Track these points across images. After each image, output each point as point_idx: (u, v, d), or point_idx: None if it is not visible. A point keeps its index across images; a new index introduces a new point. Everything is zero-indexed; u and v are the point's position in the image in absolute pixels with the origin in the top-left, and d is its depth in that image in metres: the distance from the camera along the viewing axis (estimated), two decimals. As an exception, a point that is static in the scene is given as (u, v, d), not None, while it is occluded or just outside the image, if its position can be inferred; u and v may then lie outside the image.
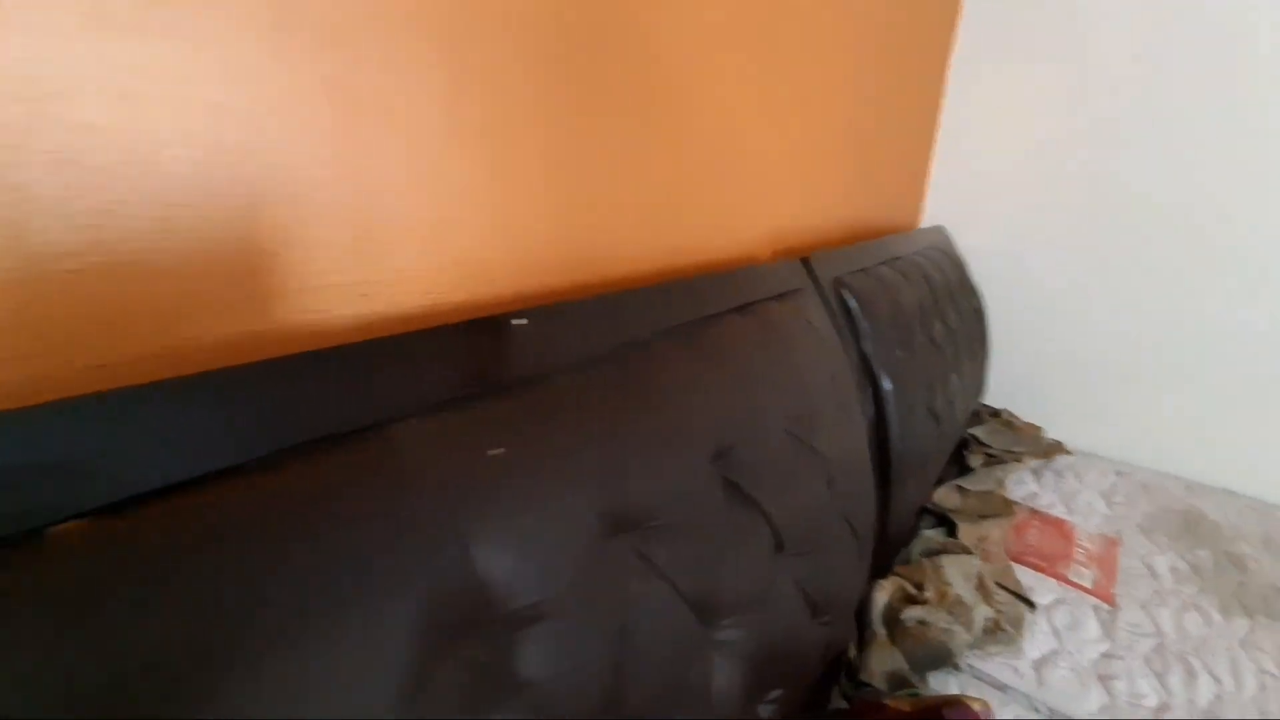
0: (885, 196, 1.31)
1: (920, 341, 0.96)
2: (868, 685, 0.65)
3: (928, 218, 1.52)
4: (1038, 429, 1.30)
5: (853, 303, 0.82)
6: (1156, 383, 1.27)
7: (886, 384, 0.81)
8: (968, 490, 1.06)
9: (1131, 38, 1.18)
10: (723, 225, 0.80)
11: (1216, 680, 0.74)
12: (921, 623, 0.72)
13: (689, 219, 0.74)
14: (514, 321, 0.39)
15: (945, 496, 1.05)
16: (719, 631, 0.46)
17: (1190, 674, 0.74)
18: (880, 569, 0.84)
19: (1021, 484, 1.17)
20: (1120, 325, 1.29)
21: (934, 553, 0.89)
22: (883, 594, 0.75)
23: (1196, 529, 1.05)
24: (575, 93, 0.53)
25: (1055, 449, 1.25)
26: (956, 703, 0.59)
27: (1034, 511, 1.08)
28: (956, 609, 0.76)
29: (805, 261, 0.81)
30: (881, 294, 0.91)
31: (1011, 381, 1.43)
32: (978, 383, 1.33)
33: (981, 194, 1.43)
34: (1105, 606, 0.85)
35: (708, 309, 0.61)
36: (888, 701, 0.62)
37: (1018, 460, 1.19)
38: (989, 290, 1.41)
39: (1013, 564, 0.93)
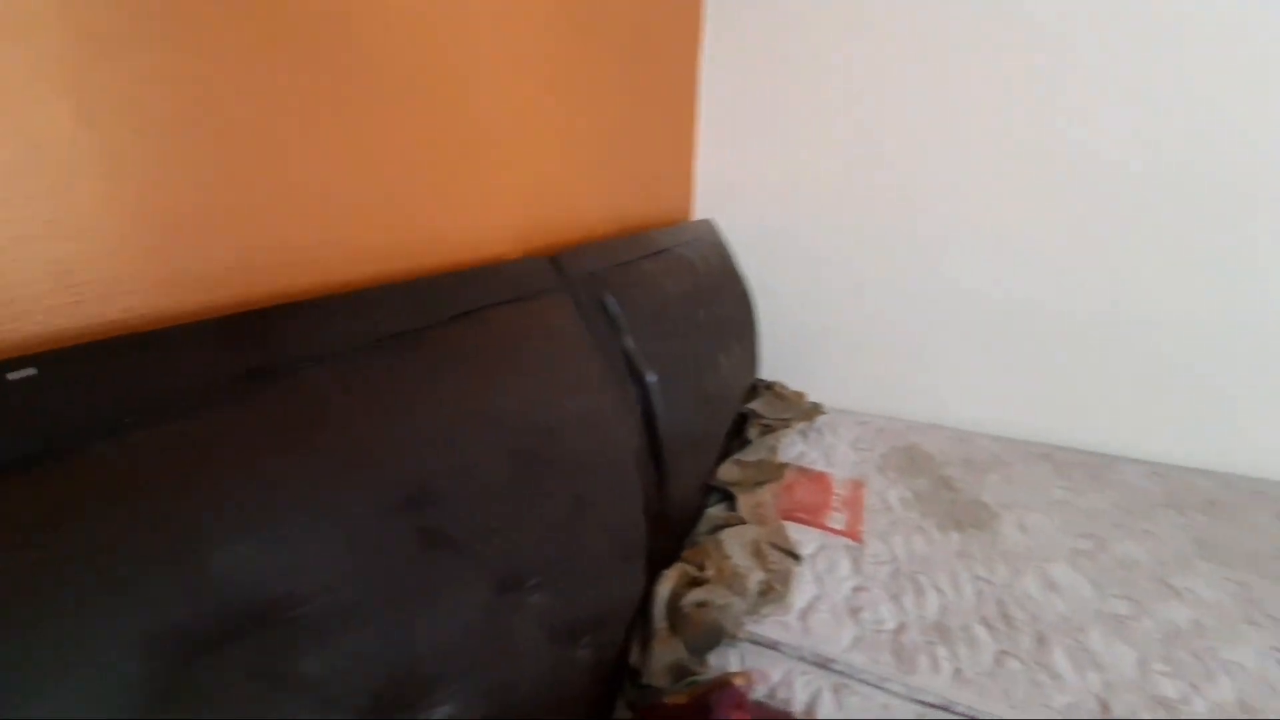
0: (652, 191, 1.35)
1: (686, 330, 0.99)
2: (649, 687, 0.64)
3: (700, 210, 1.63)
4: (802, 395, 1.46)
5: (610, 300, 0.81)
6: (883, 342, 1.51)
7: (651, 377, 0.82)
8: (746, 461, 1.14)
9: (873, 11, 1.34)
10: (465, 223, 0.73)
11: (941, 593, 0.87)
12: (700, 604, 0.73)
13: (425, 216, 0.65)
14: (11, 376, 0.27)
15: (727, 471, 1.11)
16: (430, 711, 0.38)
17: (919, 591, 0.87)
18: (669, 557, 0.85)
19: (792, 446, 1.31)
20: (853, 298, 1.51)
21: (718, 528, 0.93)
22: (666, 585, 0.75)
23: (916, 461, 1.26)
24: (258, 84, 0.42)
25: (815, 411, 1.42)
26: (724, 684, 0.60)
27: (801, 470, 1.20)
28: (734, 580, 0.79)
29: (554, 260, 0.77)
30: (643, 288, 0.92)
31: (780, 356, 1.60)
32: (750, 361, 1.45)
33: (744, 186, 1.56)
34: (854, 544, 0.97)
35: (421, 319, 0.53)
36: (666, 700, 0.61)
37: (788, 426, 1.32)
38: (756, 275, 1.55)
39: (785, 523, 1.02)
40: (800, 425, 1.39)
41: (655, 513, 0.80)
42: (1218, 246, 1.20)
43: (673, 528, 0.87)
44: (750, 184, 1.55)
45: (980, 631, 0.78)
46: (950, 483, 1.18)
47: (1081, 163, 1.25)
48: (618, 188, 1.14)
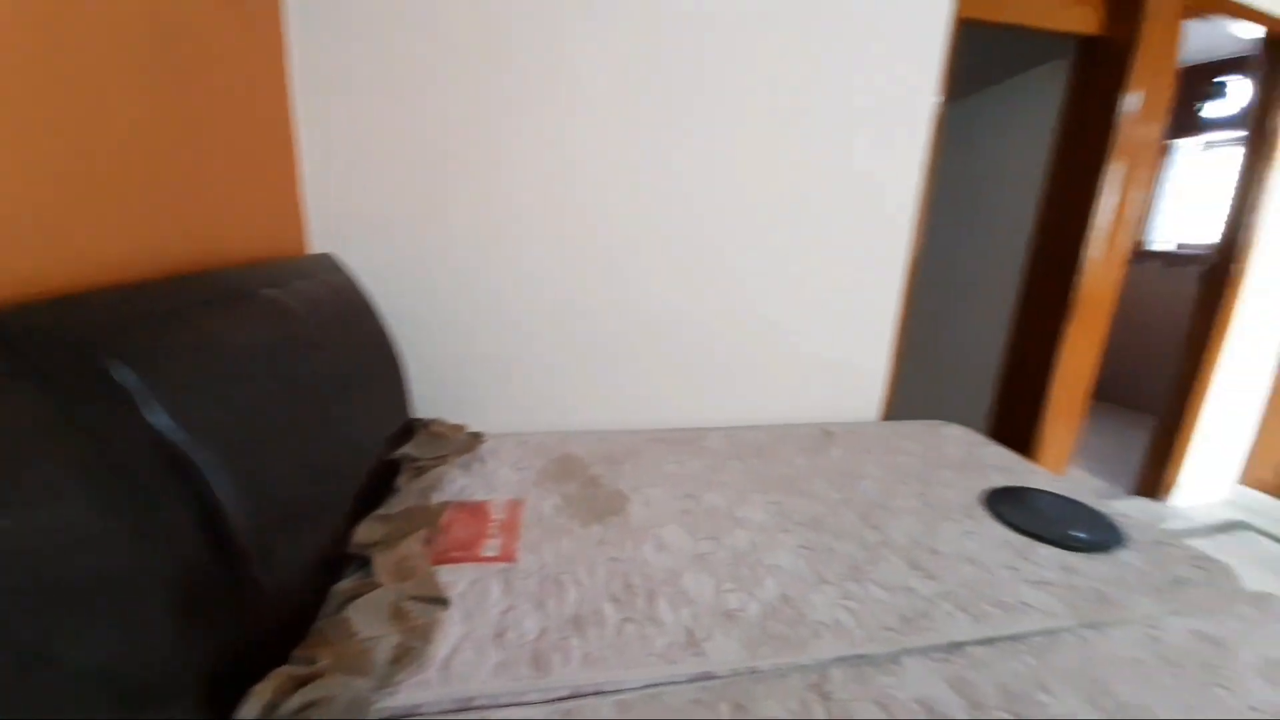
0: (225, 224, 1.13)
1: (271, 389, 0.86)
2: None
3: (318, 243, 1.45)
4: (462, 428, 1.45)
5: (120, 369, 0.62)
6: (532, 361, 1.62)
7: (204, 456, 0.67)
8: (391, 514, 1.06)
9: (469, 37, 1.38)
10: None
11: (579, 584, 0.96)
12: (308, 706, 0.63)
13: None
14: None
15: (366, 532, 1.00)
16: None
17: (561, 590, 0.94)
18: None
19: (453, 483, 1.28)
20: (497, 320, 1.57)
21: (348, 602, 0.83)
22: (255, 704, 0.62)
23: (568, 467, 1.39)
24: None
25: (476, 441, 1.42)
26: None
27: (460, 505, 1.18)
28: (356, 660, 0.71)
29: None
30: (192, 346, 0.75)
31: (439, 390, 1.56)
32: (397, 402, 1.36)
33: (369, 214, 1.46)
34: (508, 565, 0.99)
35: None
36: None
37: (445, 462, 1.29)
38: (396, 308, 1.47)
39: (439, 566, 0.98)
40: (463, 458, 1.37)
41: (243, 623, 0.66)
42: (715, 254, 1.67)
43: (283, 631, 0.74)
44: (375, 211, 1.46)
45: (608, 608, 0.89)
46: (596, 480, 1.33)
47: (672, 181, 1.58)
48: (153, 220, 0.92)
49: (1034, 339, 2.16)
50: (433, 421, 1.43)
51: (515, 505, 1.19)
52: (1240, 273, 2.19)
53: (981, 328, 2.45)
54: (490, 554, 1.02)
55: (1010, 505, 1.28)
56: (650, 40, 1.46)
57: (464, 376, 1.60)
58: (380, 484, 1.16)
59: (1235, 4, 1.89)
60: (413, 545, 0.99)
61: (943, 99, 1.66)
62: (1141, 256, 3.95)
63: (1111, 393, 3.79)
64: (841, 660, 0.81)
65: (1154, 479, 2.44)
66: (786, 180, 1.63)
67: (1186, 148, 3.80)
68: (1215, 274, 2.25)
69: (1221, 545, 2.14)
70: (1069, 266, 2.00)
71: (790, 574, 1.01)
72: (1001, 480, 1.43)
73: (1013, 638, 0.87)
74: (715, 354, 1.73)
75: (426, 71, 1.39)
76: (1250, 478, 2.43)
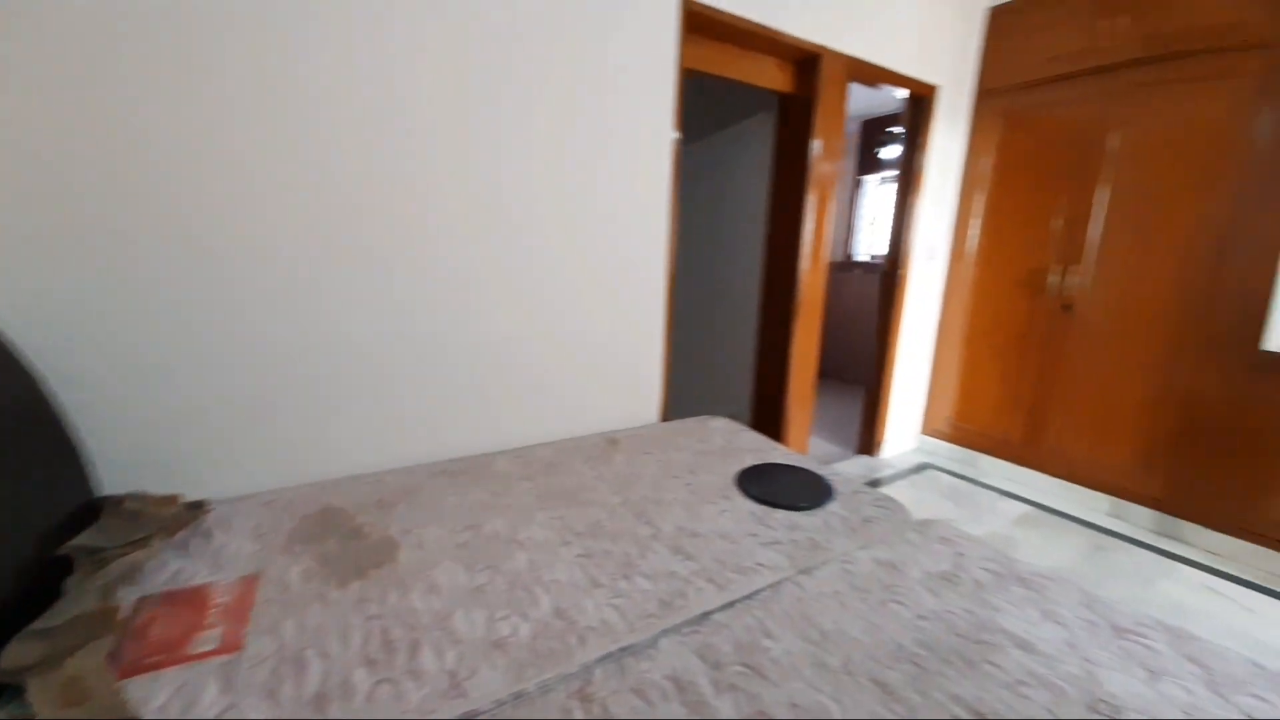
0: None
1: None
2: None
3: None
4: (175, 498, 1.18)
5: None
6: (275, 403, 1.40)
7: None
8: (54, 628, 0.82)
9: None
10: None
11: (326, 658, 0.84)
12: None
13: None
14: None
15: (17, 656, 0.76)
16: None
17: (302, 669, 0.82)
18: None
19: (162, 569, 1.04)
20: (220, 356, 1.32)
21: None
22: None
23: (330, 522, 1.23)
24: None
25: (196, 512, 1.18)
26: None
27: (168, 595, 0.96)
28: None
29: None
30: None
31: (132, 457, 1.25)
32: (61, 478, 1.06)
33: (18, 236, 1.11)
34: (230, 658, 0.83)
35: None
36: None
37: (146, 546, 1.04)
38: (64, 351, 1.14)
39: (130, 679, 0.78)
40: (178, 537, 1.12)
41: None
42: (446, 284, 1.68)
43: None
44: (18, 243, 1.12)
45: (360, 675, 0.80)
46: (361, 531, 1.20)
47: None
48: None
49: (772, 337, 2.58)
50: (127, 497, 1.14)
51: (248, 582, 1.01)
52: (904, 276, 2.91)
53: (740, 330, 2.85)
54: (206, 648, 0.84)
55: (756, 481, 1.50)
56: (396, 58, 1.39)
57: (179, 434, 1.31)
58: (42, 589, 0.88)
59: (884, 71, 2.51)
60: (87, 661, 0.78)
61: (679, 135, 1.90)
62: (850, 265, 5.01)
63: (841, 373, 4.71)
64: (605, 659, 0.85)
65: (869, 439, 3.09)
66: (555, 204, 1.70)
67: (872, 182, 4.94)
68: (888, 278, 2.96)
69: (915, 483, 2.80)
70: (789, 276, 2.43)
71: (567, 585, 1.04)
72: (752, 460, 1.67)
73: (748, 597, 1.01)
74: (501, 375, 1.70)
75: (103, 68, 1.12)
76: (928, 429, 3.24)
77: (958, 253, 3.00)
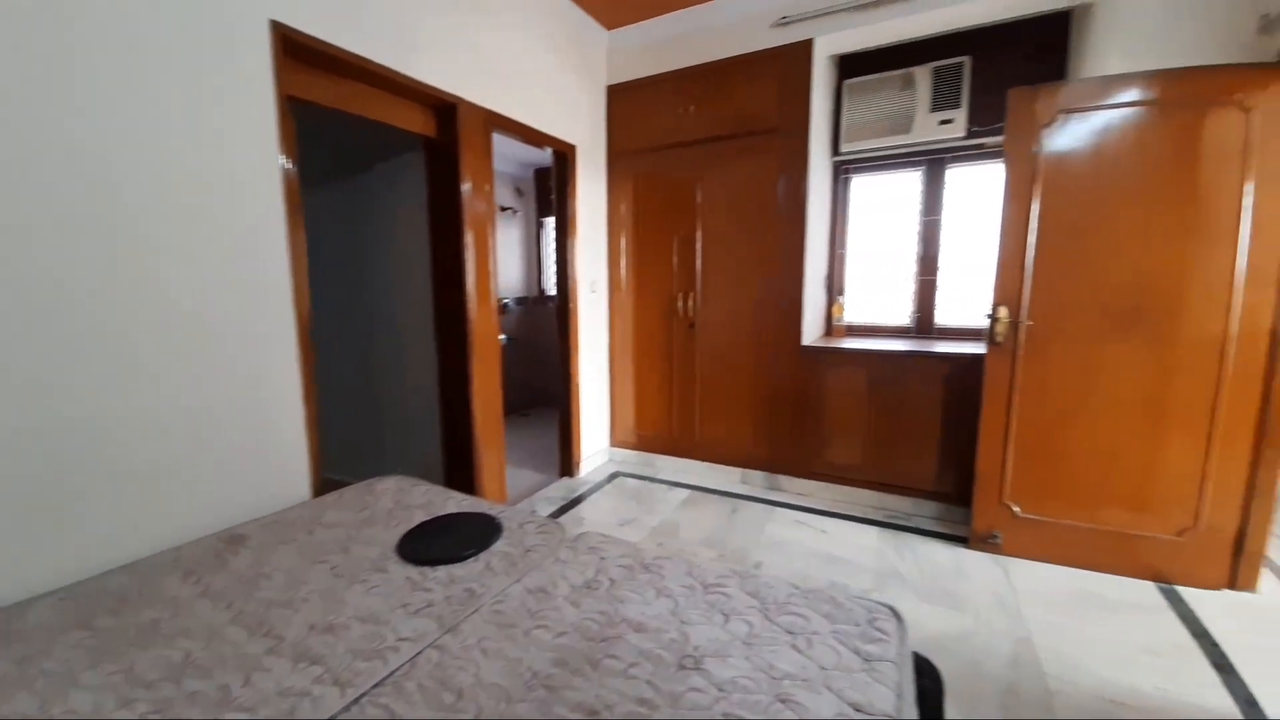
0: None
1: None
2: None
3: None
4: None
5: None
6: None
7: None
8: None
9: None
10: None
11: None
12: None
13: None
14: None
15: None
16: None
17: None
18: None
19: None
20: None
21: None
22: None
23: None
24: None
25: None
26: None
27: None
28: None
29: None
30: None
31: None
32: None
33: None
34: None
35: None
36: None
37: None
38: None
39: None
40: None
41: None
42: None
43: None
44: None
45: None
46: None
47: None
48: None
49: (452, 377, 2.52)
50: None
51: None
52: (574, 308, 3.20)
53: (420, 376, 2.69)
54: None
55: (419, 541, 1.41)
56: None
57: None
58: None
59: (525, 126, 2.72)
60: None
61: (290, 163, 1.68)
62: (544, 299, 5.33)
63: (551, 400, 4.94)
64: None
65: (568, 461, 3.29)
66: (118, 246, 1.29)
67: (550, 223, 5.35)
68: (561, 310, 3.22)
69: (607, 493, 3.09)
70: (460, 316, 2.42)
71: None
72: (422, 516, 1.57)
73: (377, 685, 0.91)
74: (48, 485, 1.20)
75: None
76: (616, 440, 3.63)
77: (615, 285, 3.47)
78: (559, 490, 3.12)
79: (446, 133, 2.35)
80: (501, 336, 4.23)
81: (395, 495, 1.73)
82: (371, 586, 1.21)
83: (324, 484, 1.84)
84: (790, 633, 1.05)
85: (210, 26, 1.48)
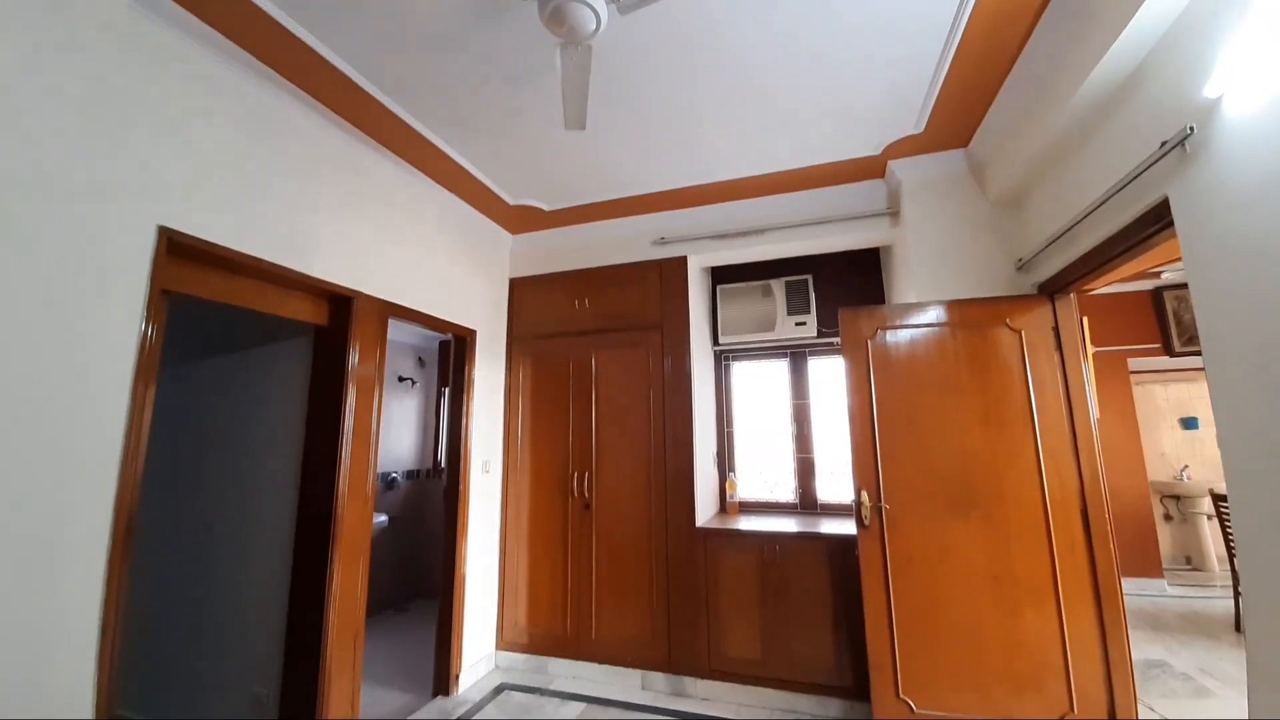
0: None
1: None
2: None
3: None
4: None
5: None
6: None
7: None
8: None
9: None
10: None
11: None
12: None
13: None
14: None
15: None
16: None
17: None
18: None
19: None
20: None
21: None
22: None
23: None
24: None
25: None
26: None
27: None
28: None
29: None
30: None
31: None
32: None
33: None
34: None
35: None
36: None
37: None
38: None
39: None
40: None
41: None
42: None
43: None
44: None
45: None
46: None
47: None
48: None
49: (307, 581, 2.21)
50: None
51: None
52: (465, 490, 3.05)
53: (264, 588, 2.32)
54: None
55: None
56: None
57: None
58: None
59: (422, 314, 2.83)
60: None
61: (143, 369, 1.60)
62: (440, 470, 5.04)
63: (426, 590, 4.39)
64: None
65: (444, 674, 2.83)
66: None
67: (447, 394, 5.31)
68: (450, 492, 3.05)
69: (489, 712, 2.64)
70: (327, 505, 2.22)
71: None
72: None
73: None
74: None
75: None
76: (504, 643, 3.22)
77: (511, 464, 3.39)
78: (430, 714, 2.63)
79: (339, 320, 2.39)
80: (381, 517, 3.87)
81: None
82: None
83: (95, 744, 1.43)
84: None
85: (95, 226, 1.50)
